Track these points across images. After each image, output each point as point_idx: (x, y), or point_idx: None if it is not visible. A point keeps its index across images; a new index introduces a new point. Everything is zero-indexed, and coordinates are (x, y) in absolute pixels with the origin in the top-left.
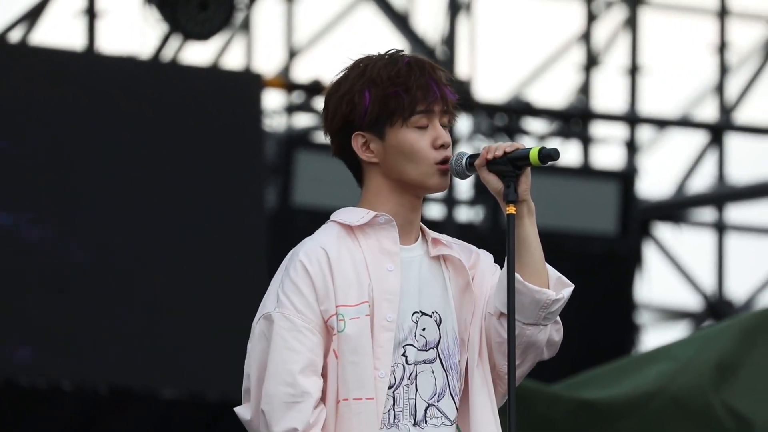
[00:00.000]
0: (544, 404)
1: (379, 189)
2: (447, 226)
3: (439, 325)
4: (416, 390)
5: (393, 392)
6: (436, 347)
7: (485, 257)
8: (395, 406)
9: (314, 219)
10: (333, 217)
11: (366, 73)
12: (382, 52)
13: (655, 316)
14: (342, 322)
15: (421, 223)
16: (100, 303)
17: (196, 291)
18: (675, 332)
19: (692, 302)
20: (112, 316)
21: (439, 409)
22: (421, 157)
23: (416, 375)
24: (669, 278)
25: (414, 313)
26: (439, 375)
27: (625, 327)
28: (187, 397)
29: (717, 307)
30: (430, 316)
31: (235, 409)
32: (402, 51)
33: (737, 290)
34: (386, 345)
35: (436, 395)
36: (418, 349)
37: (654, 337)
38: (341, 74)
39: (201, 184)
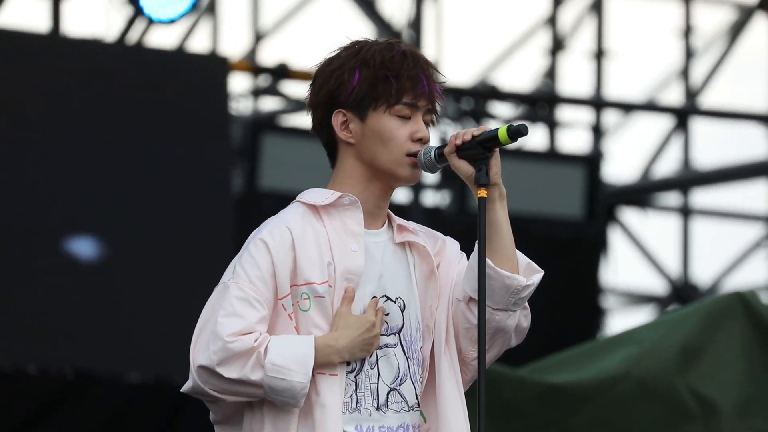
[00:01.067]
0: (510, 388)
1: (351, 171)
2: (413, 211)
3: (402, 311)
4: (378, 374)
5: (355, 377)
6: (399, 333)
7: (451, 244)
8: (357, 391)
9: (280, 202)
10: (298, 197)
11: (360, 53)
12: (381, 39)
13: (621, 300)
14: (307, 301)
15: (389, 210)
16: (66, 287)
17: (162, 275)
18: (640, 316)
19: (657, 286)
20: (78, 300)
21: (400, 394)
22: (396, 145)
23: (377, 359)
24: (634, 262)
25: (373, 298)
26: (401, 360)
27: (591, 311)
28: (152, 381)
29: (682, 291)
30: (395, 302)
31: (182, 390)
32: (400, 41)
33: (702, 274)
34: None
35: (398, 379)
36: (380, 334)
37: (619, 321)
38: (335, 52)
39: (166, 168)
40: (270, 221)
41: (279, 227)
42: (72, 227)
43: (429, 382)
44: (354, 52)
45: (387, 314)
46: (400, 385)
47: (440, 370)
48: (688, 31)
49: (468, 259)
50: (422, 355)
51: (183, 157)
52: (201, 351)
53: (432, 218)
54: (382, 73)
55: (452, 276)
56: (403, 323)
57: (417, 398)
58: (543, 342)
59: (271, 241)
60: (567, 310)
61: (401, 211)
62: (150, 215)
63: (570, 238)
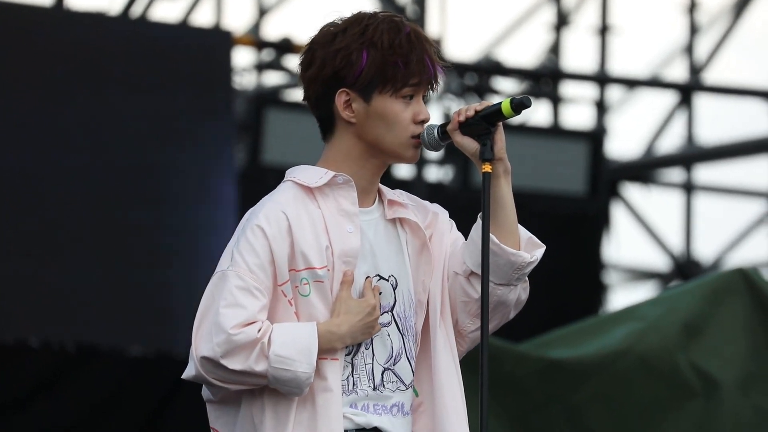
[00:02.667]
0: (511, 363)
1: (349, 150)
2: (416, 186)
3: (395, 289)
4: (373, 355)
5: (351, 359)
6: (391, 311)
7: (442, 215)
8: (353, 373)
9: (283, 177)
10: (289, 175)
11: (367, 32)
12: (380, 13)
13: (623, 276)
14: (307, 286)
15: (379, 185)
16: (68, 260)
17: (165, 249)
18: (642, 292)
19: (660, 262)
20: (80, 273)
21: (395, 373)
22: (401, 128)
23: (371, 339)
24: (637, 238)
25: (366, 278)
26: (395, 338)
27: (593, 287)
28: (154, 354)
29: (685, 267)
30: (387, 280)
31: (183, 376)
32: (401, 17)
33: (705, 250)
34: None
35: (392, 359)
36: None
37: (621, 297)
38: (336, 24)
39: (170, 142)
40: (264, 204)
41: (274, 211)
42: (74, 200)
43: (421, 355)
44: (360, 30)
45: (380, 293)
46: (394, 365)
47: (435, 344)
48: (692, 7)
49: (469, 232)
50: (416, 330)
51: (186, 132)
52: (204, 341)
53: (435, 194)
54: (391, 58)
55: (445, 247)
56: (395, 300)
57: (413, 375)
58: (545, 317)
59: (268, 228)
60: (569, 285)
61: (404, 186)
62: (153, 189)
63: (573, 213)
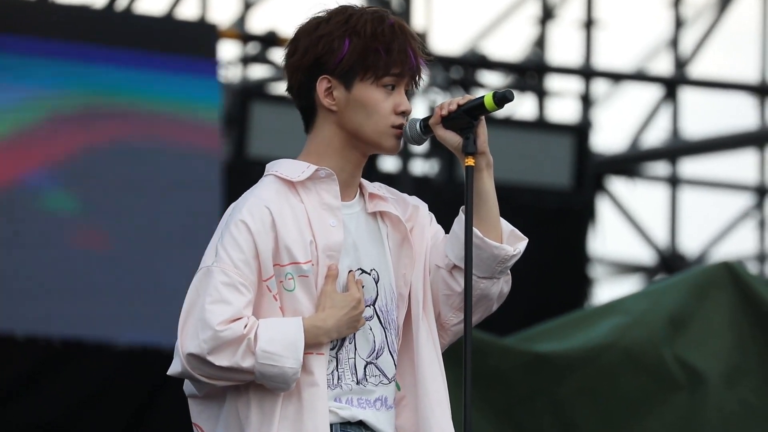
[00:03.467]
0: (496, 357)
1: (330, 139)
2: (402, 180)
3: (377, 283)
4: (355, 349)
5: (336, 353)
6: (374, 305)
7: (422, 208)
8: (338, 367)
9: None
10: (270, 169)
11: (350, 21)
12: (367, 7)
13: (608, 269)
14: (291, 281)
15: (361, 178)
16: (53, 252)
17: (151, 242)
18: (628, 286)
19: (645, 256)
20: (65, 265)
21: (377, 367)
22: (381, 117)
23: (354, 333)
24: (622, 232)
25: (349, 272)
26: (377, 332)
27: (578, 280)
28: (140, 347)
29: (670, 260)
30: (369, 274)
31: (168, 373)
32: (386, 11)
33: (690, 244)
34: None
35: (375, 353)
36: None
37: (607, 290)
38: (321, 15)
39: (155, 136)
40: (247, 199)
41: (258, 206)
42: (58, 190)
43: (404, 349)
44: (343, 19)
45: (362, 287)
46: (376, 359)
47: (418, 337)
48: (677, 1)
49: (452, 226)
50: (398, 324)
51: (171, 126)
52: (190, 338)
53: (421, 187)
54: (373, 45)
55: (426, 240)
56: (377, 294)
57: (396, 369)
58: (530, 311)
59: (252, 223)
60: (554, 279)
61: (390, 179)
62: (137, 182)
63: (558, 207)
